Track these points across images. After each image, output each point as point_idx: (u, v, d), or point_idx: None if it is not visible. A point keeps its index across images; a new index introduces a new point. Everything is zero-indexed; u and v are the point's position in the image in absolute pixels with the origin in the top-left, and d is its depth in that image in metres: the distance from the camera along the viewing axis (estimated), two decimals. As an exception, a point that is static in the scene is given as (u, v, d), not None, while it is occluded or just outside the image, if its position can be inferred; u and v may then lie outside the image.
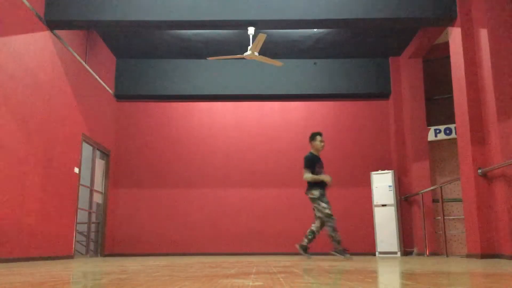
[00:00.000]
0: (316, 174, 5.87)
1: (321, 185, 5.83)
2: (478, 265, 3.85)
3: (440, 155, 8.69)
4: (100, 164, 8.64)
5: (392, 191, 8.39)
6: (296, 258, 6.58)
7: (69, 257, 7.06)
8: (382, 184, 8.48)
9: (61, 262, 5.28)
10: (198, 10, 6.47)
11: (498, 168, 5.51)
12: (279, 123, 9.42)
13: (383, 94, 9.30)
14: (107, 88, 8.82)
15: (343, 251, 5.65)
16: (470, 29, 6.23)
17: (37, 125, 6.09)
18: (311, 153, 6.02)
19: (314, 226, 5.85)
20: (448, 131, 8.56)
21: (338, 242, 5.62)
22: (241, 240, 8.94)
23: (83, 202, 7.99)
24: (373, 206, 8.54)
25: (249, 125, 9.42)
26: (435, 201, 8.23)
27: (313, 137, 6.04)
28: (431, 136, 8.69)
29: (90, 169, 8.23)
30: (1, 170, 5.23)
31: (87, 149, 8.22)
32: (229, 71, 9.26)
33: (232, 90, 9.23)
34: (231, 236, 8.94)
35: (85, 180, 8.15)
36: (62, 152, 6.85)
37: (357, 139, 9.32)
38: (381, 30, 8.26)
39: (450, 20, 6.45)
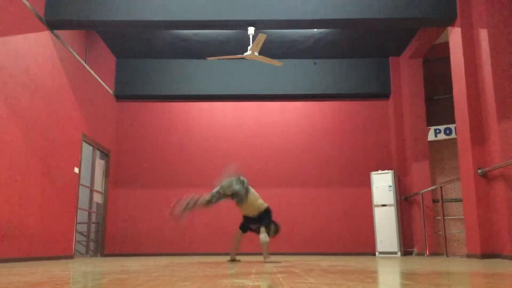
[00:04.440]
0: None
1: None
2: (478, 265, 3.84)
3: (440, 155, 8.69)
4: (100, 164, 8.63)
5: (392, 191, 8.38)
6: (295, 258, 6.58)
7: (69, 257, 7.06)
8: (382, 184, 8.48)
9: (61, 262, 5.28)
10: (198, 10, 6.47)
11: (498, 168, 5.50)
12: (279, 123, 9.41)
13: (383, 94, 9.30)
14: (107, 88, 8.82)
15: None
16: (470, 29, 6.23)
17: (37, 125, 6.08)
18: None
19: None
20: (448, 131, 8.56)
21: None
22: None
23: (83, 202, 7.99)
24: (373, 206, 8.53)
25: (249, 125, 9.42)
26: (435, 201, 8.23)
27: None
28: (431, 136, 8.69)
29: (90, 169, 8.22)
30: (1, 170, 5.23)
31: (87, 149, 8.22)
32: (229, 71, 9.26)
33: (232, 90, 9.22)
34: (231, 236, 8.93)
35: (85, 180, 8.15)
36: (62, 152, 6.85)
37: (357, 139, 9.31)
38: (381, 30, 8.26)
39: (450, 20, 6.45)
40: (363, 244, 8.82)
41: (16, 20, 5.59)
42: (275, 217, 5.25)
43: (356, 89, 9.21)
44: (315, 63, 9.29)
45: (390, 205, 8.36)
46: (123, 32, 8.28)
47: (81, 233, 8.37)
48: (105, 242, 8.69)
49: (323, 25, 6.67)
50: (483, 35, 5.89)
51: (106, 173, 8.84)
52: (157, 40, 8.53)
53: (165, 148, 9.31)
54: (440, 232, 8.05)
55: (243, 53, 8.16)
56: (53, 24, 6.43)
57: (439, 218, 7.97)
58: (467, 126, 6.05)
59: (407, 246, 8.49)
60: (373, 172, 8.63)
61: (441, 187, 7.21)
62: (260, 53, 8.79)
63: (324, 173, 9.17)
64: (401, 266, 3.75)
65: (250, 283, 2.08)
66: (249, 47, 6.59)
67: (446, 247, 6.91)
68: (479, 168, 5.86)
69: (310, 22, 6.56)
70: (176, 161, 9.25)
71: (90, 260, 6.10)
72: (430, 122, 8.79)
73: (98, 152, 8.50)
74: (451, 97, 8.51)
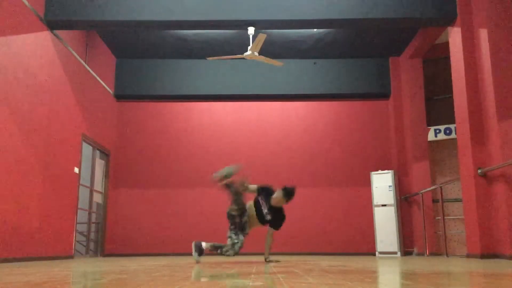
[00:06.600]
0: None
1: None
2: (478, 265, 3.84)
3: (440, 155, 8.69)
4: (100, 164, 8.63)
5: (392, 191, 8.38)
6: (295, 258, 6.58)
7: (69, 257, 7.06)
8: (382, 184, 8.48)
9: (61, 262, 5.28)
10: (198, 10, 6.47)
11: (498, 168, 5.50)
12: (279, 123, 9.41)
13: (383, 94, 9.29)
14: (107, 88, 8.82)
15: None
16: (470, 29, 6.23)
17: (37, 125, 6.08)
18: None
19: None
20: (448, 131, 8.55)
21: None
22: (241, 240, 8.93)
23: (83, 202, 7.99)
24: (373, 206, 8.53)
25: (249, 125, 9.42)
26: (435, 201, 8.23)
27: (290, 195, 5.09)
28: (431, 136, 8.69)
29: (90, 169, 8.22)
30: (1, 170, 5.23)
31: (87, 149, 8.21)
32: (229, 71, 9.26)
33: (232, 90, 9.22)
34: (231, 236, 8.93)
35: (85, 180, 8.14)
36: (62, 152, 6.85)
37: (357, 139, 9.31)
38: (381, 30, 8.26)
39: (450, 20, 6.45)
40: (363, 244, 8.82)
41: (16, 20, 5.59)
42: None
43: (356, 89, 9.21)
44: (315, 63, 9.29)
45: (390, 205, 8.36)
46: (123, 32, 8.28)
47: (81, 233, 8.37)
48: (105, 242, 8.69)
49: (323, 25, 6.67)
50: (483, 35, 5.89)
51: (106, 173, 8.83)
52: (157, 40, 8.53)
53: (165, 148, 9.31)
54: (440, 232, 8.05)
55: (243, 53, 8.16)
56: (53, 24, 6.43)
57: (439, 218, 7.97)
58: (467, 126, 6.05)
59: (407, 246, 8.49)
60: (373, 172, 8.63)
61: (441, 187, 7.20)
62: (260, 53, 8.78)
63: (324, 173, 9.17)
64: (401, 266, 3.75)
65: (250, 283, 2.08)
66: (249, 47, 6.59)
67: (446, 247, 6.91)
68: (479, 168, 5.86)
69: (310, 22, 6.56)
70: (176, 161, 9.25)
71: (90, 260, 6.10)
72: (430, 122, 8.78)
73: (98, 152, 8.49)
74: (451, 97, 8.50)
